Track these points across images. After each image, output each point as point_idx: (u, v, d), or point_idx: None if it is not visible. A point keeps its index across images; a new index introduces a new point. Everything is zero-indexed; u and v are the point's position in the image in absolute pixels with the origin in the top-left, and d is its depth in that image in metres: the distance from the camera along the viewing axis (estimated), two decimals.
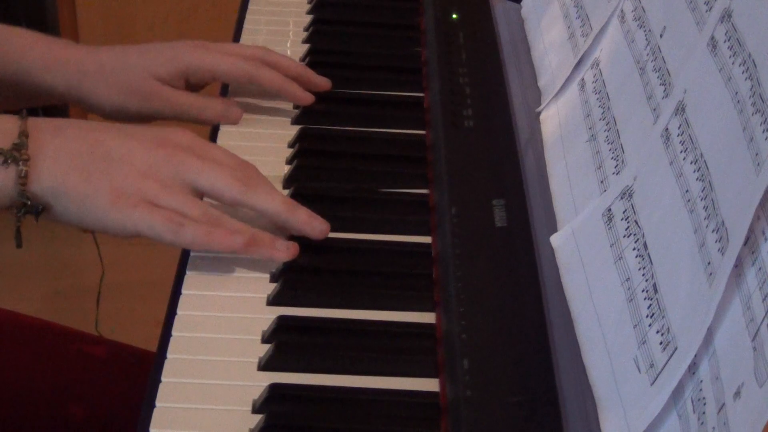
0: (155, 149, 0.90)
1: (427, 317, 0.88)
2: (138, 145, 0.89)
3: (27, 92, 1.09)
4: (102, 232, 0.89)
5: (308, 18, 1.32)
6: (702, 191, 0.75)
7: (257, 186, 0.92)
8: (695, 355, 0.69)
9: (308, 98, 1.11)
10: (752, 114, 0.72)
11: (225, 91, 1.15)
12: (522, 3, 1.26)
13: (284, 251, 0.90)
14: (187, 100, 1.08)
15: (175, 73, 1.07)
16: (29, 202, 0.87)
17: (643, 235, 0.80)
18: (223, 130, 1.10)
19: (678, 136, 0.81)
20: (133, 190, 0.88)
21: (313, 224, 0.92)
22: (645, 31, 0.94)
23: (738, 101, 0.74)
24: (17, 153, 0.86)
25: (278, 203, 0.92)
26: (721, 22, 0.80)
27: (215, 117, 1.09)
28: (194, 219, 0.88)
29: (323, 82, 1.14)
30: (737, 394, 0.64)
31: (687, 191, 0.77)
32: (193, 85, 1.10)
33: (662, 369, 0.71)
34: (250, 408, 0.79)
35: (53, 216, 0.88)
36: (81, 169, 0.88)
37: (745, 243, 0.68)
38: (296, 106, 1.13)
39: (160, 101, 1.07)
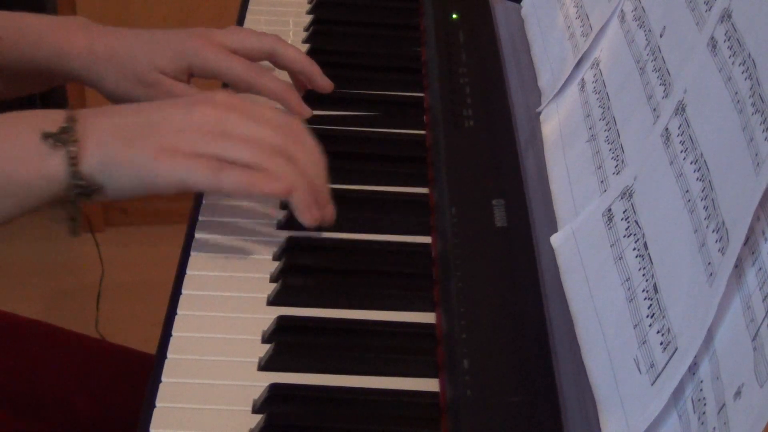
0: (192, 107, 0.92)
1: (427, 317, 0.88)
2: (176, 107, 0.92)
3: (44, 77, 1.12)
4: (154, 193, 0.90)
5: (308, 18, 1.32)
6: (702, 191, 0.75)
7: (300, 139, 0.93)
8: (695, 355, 0.69)
9: (305, 112, 1.11)
10: (752, 114, 0.72)
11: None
12: (522, 3, 1.25)
13: (319, 211, 0.92)
14: (186, 93, 1.09)
15: (179, 68, 1.09)
16: (83, 182, 0.88)
17: (644, 235, 0.80)
18: None
19: (678, 136, 0.81)
20: (173, 142, 0.89)
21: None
22: (645, 31, 0.94)
23: (738, 101, 0.74)
24: (66, 135, 0.88)
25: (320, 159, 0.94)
26: (721, 22, 0.80)
27: None
28: (238, 161, 0.90)
29: (326, 84, 1.14)
30: (737, 394, 0.64)
31: (687, 191, 0.77)
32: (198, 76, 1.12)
33: (663, 369, 0.71)
34: (250, 408, 0.79)
35: (105, 194, 0.90)
36: (124, 138, 0.90)
37: (745, 243, 0.68)
38: None
39: (161, 93, 1.09)
